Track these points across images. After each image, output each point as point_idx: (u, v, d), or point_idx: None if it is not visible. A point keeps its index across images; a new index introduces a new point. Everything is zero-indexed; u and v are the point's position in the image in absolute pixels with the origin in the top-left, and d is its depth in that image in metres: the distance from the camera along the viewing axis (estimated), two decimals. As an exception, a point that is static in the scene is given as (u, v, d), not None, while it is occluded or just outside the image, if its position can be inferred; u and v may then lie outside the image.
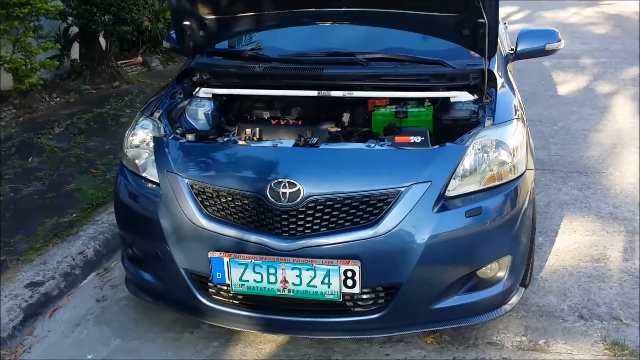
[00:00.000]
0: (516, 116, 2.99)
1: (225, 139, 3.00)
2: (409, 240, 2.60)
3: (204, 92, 3.45)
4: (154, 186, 2.92)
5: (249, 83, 3.37)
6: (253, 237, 2.67)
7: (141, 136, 3.09)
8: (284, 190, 2.61)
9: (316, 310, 2.74)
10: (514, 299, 2.94)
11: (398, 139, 2.91)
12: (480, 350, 2.90)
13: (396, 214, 2.58)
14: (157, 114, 3.20)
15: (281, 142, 2.93)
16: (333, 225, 2.62)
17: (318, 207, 2.61)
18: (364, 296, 2.68)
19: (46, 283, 3.43)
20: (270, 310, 2.79)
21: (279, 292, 2.69)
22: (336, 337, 2.82)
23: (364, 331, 2.75)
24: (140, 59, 8.32)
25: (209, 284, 2.83)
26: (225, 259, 2.69)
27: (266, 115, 3.45)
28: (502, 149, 2.80)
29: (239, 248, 2.68)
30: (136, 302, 3.34)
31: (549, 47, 3.95)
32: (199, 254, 2.75)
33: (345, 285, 2.62)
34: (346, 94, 3.22)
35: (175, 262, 2.81)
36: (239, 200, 2.69)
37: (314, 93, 3.24)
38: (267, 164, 2.76)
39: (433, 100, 3.24)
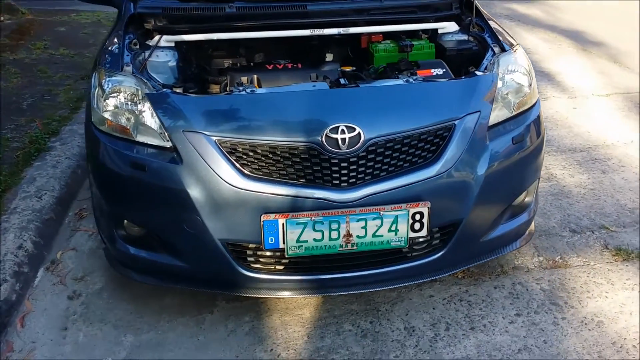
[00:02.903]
0: (517, 42, 3.00)
1: (239, 89, 2.60)
2: (471, 174, 2.51)
3: (165, 40, 2.95)
4: (162, 151, 2.47)
5: (221, 26, 2.96)
6: (309, 192, 2.39)
7: (123, 94, 2.58)
8: (342, 136, 2.36)
9: (376, 262, 2.55)
10: (533, 225, 3.00)
11: (420, 72, 2.76)
12: (512, 276, 2.94)
13: (455, 147, 2.47)
14: (128, 69, 2.69)
15: (314, 85, 2.62)
16: (394, 168, 2.44)
17: (379, 150, 2.40)
18: (429, 238, 2.54)
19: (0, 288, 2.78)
20: (324, 269, 2.54)
21: (341, 249, 2.45)
22: (397, 286, 2.66)
23: (423, 274, 2.63)
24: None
25: (248, 252, 2.50)
26: (281, 221, 2.38)
27: (238, 61, 3.08)
28: (522, 73, 2.80)
29: (294, 207, 2.38)
30: (121, 291, 2.88)
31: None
32: (243, 221, 2.40)
33: (413, 230, 2.47)
34: (341, 30, 2.97)
35: (210, 233, 2.42)
36: (287, 153, 2.38)
37: (305, 32, 2.94)
38: (314, 109, 2.46)
39: (424, 32, 3.12)
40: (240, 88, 2.57)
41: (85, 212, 3.58)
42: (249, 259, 2.52)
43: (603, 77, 5.73)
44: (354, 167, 2.39)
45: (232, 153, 2.39)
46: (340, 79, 2.67)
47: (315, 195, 2.38)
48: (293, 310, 2.74)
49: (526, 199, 2.85)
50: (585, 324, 2.63)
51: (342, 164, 2.38)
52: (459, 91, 2.59)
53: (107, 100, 2.59)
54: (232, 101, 2.49)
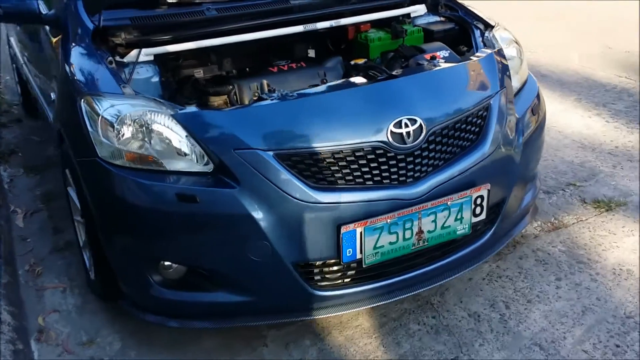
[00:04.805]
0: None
1: (271, 97, 2.36)
2: (513, 148, 2.54)
3: (145, 54, 2.59)
4: (204, 177, 2.19)
5: (204, 32, 2.66)
6: (381, 194, 2.25)
7: (140, 120, 2.23)
8: (407, 130, 2.25)
9: (440, 254, 2.47)
10: None
11: (428, 56, 2.71)
12: (527, 244, 3.03)
13: (496, 125, 2.47)
14: (128, 90, 2.34)
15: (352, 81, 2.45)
16: (450, 155, 2.38)
17: (437, 139, 2.33)
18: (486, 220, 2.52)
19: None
20: (394, 272, 2.41)
21: (413, 247, 2.35)
22: (462, 273, 2.57)
23: (480, 256, 2.59)
24: None
25: (315, 270, 2.30)
26: (359, 230, 2.22)
27: (227, 69, 2.81)
28: (514, 47, 2.88)
29: (368, 212, 2.23)
30: (149, 344, 2.54)
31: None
32: (316, 237, 2.21)
33: (474, 215, 2.44)
34: (333, 23, 2.82)
35: (281, 258, 2.19)
36: (352, 156, 2.22)
37: (298, 29, 2.74)
38: (370, 105, 2.30)
39: (396, 18, 3.06)
40: (276, 94, 2.33)
41: (38, 267, 3.07)
42: (316, 277, 2.32)
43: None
44: (419, 160, 2.30)
45: (293, 166, 2.17)
46: (370, 73, 2.53)
47: (387, 196, 2.25)
48: (348, 324, 2.58)
49: (534, 171, 2.94)
50: (618, 274, 2.79)
51: (408, 159, 2.27)
52: (486, 70, 2.59)
53: (121, 130, 2.22)
54: (281, 109, 2.26)
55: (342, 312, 2.39)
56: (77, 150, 2.48)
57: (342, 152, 2.20)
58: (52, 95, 2.86)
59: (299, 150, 2.18)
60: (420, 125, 2.27)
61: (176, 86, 2.67)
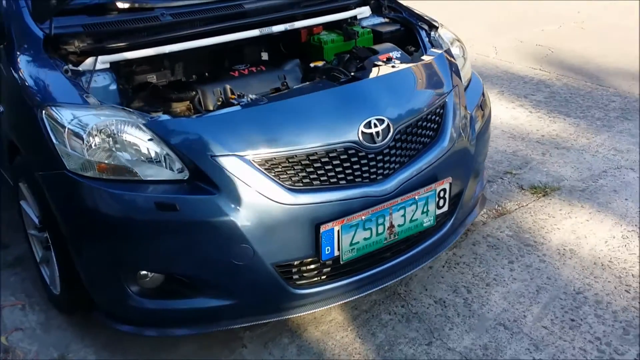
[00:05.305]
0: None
1: (241, 102, 2.39)
2: (469, 143, 2.69)
3: (101, 62, 2.54)
4: (180, 184, 2.21)
5: (159, 39, 2.65)
6: (354, 192, 2.33)
7: (109, 130, 2.22)
8: (376, 130, 2.35)
9: (407, 245, 2.59)
10: None
11: (382, 57, 2.82)
12: (477, 231, 3.22)
13: (452, 121, 2.61)
14: (93, 100, 2.32)
15: (322, 84, 2.51)
16: (414, 152, 2.50)
17: (402, 137, 2.44)
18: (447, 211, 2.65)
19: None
20: (367, 266, 2.50)
21: (385, 241, 2.45)
22: (428, 262, 2.68)
23: (442, 245, 2.72)
24: None
25: (293, 269, 2.36)
26: (336, 228, 2.29)
27: (175, 74, 2.81)
28: (459, 46, 3.04)
29: (344, 210, 2.31)
30: (124, 354, 2.50)
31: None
32: (295, 237, 2.27)
33: (438, 207, 2.57)
34: (287, 26, 2.87)
35: (262, 260, 2.24)
36: (326, 157, 2.29)
37: (254, 32, 2.78)
38: (340, 107, 2.37)
39: (345, 20, 3.15)
40: (247, 99, 2.37)
41: (-14, 283, 2.96)
42: (294, 277, 2.38)
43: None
44: (387, 157, 2.40)
45: (270, 169, 2.22)
46: (333, 75, 2.61)
47: (361, 194, 2.34)
48: (322, 319, 2.66)
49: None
50: (563, 254, 3.01)
51: (378, 157, 2.37)
52: (439, 69, 2.72)
53: (90, 141, 2.20)
54: (255, 114, 2.30)
55: (319, 309, 2.46)
56: (38, 163, 2.42)
57: (317, 153, 2.27)
58: (1, 107, 2.75)
59: (275, 154, 2.23)
60: (388, 124, 2.37)
61: (133, 93, 2.64)
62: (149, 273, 2.31)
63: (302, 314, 2.44)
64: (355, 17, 3.18)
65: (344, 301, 2.50)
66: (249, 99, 2.38)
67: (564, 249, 3.04)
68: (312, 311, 2.46)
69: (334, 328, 2.60)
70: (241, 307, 2.35)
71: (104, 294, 2.40)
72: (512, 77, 5.35)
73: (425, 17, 3.14)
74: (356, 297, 2.50)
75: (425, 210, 2.51)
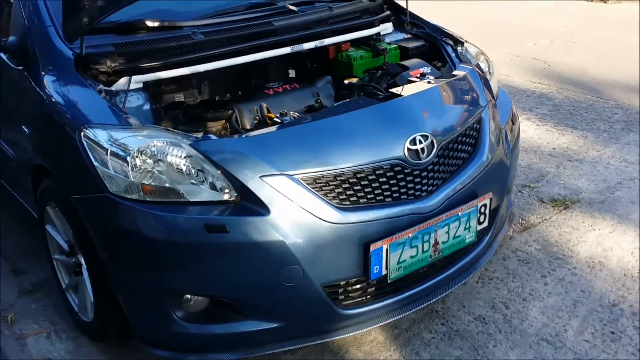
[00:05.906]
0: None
1: (284, 120, 2.36)
2: (505, 156, 2.68)
3: (135, 81, 2.49)
4: (227, 205, 2.16)
5: (192, 58, 2.60)
6: (401, 210, 2.31)
7: (154, 151, 2.17)
8: (421, 146, 2.33)
9: (446, 263, 2.56)
10: None
11: (414, 72, 2.81)
12: (505, 246, 3.20)
13: (489, 135, 2.61)
14: (134, 121, 2.27)
15: (362, 102, 2.48)
16: (455, 167, 2.48)
17: (444, 153, 2.43)
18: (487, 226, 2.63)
19: None
20: (412, 284, 2.46)
21: (430, 259, 2.42)
22: (469, 277, 2.66)
23: (481, 260, 2.70)
24: None
25: (339, 290, 2.32)
26: (385, 246, 2.26)
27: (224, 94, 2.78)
28: (485, 61, 3.04)
29: (391, 228, 2.28)
30: None
31: None
32: (344, 257, 2.24)
33: (479, 223, 2.55)
34: (317, 43, 2.85)
35: (312, 281, 2.20)
36: (373, 175, 2.26)
37: (286, 50, 2.75)
38: (380, 124, 2.35)
39: (370, 37, 3.14)
40: (289, 118, 2.34)
41: (10, 313, 2.87)
42: (340, 297, 2.33)
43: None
44: (431, 174, 2.38)
45: (319, 188, 2.19)
46: (370, 92, 2.59)
47: (407, 211, 2.31)
48: (363, 339, 2.61)
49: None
50: (592, 266, 3.01)
51: (423, 173, 2.35)
52: (473, 84, 2.71)
53: (136, 163, 2.14)
54: (301, 132, 2.27)
55: (364, 330, 2.41)
56: (74, 186, 2.35)
57: (364, 171, 2.24)
58: (26, 129, 2.68)
59: (323, 172, 2.19)
60: (432, 140, 2.35)
61: (164, 113, 2.59)
62: (193, 297, 2.25)
63: (347, 335, 2.40)
64: (379, 34, 3.17)
65: (388, 321, 2.46)
66: (292, 117, 2.34)
67: (592, 262, 3.04)
68: (357, 332, 2.41)
69: (377, 348, 2.56)
70: (287, 329, 2.30)
71: (145, 320, 2.33)
72: (513, 90, 5.39)
73: (449, 32, 3.14)
74: (400, 316, 2.46)
75: (467, 226, 2.49)
